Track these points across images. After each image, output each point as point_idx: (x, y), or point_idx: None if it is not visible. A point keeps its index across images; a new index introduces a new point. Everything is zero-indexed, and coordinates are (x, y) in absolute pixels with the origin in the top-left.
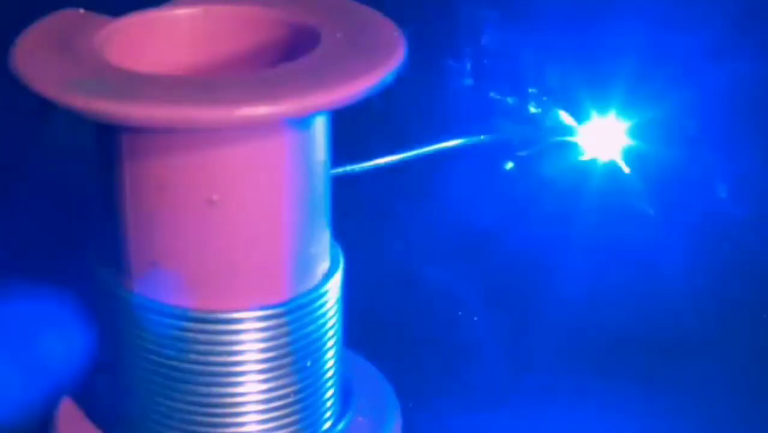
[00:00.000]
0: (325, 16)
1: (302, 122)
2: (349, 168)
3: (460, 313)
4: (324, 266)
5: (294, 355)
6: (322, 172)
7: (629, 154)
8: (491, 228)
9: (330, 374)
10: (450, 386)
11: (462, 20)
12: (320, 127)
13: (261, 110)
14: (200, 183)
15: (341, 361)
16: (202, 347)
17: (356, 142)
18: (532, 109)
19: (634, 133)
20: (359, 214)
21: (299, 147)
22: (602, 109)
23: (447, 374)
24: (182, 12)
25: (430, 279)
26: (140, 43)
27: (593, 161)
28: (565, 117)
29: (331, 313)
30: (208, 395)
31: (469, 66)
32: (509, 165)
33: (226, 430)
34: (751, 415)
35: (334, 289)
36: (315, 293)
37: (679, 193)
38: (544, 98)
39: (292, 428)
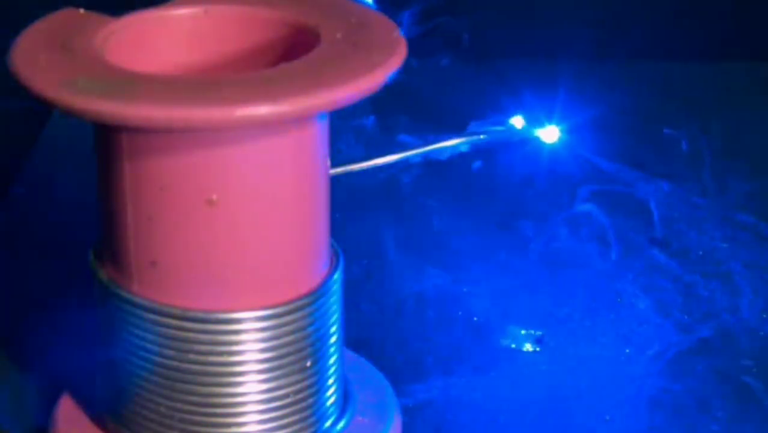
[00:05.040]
0: (325, 16)
1: (302, 122)
2: (349, 168)
3: (460, 313)
4: (324, 266)
5: (294, 355)
6: (322, 172)
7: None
8: (491, 226)
9: (330, 373)
10: (450, 386)
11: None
12: (320, 127)
13: (261, 110)
14: (200, 183)
15: (341, 361)
16: (202, 347)
17: (356, 141)
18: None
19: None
20: (360, 213)
21: (299, 147)
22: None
23: (447, 374)
24: (182, 12)
25: (430, 279)
26: (140, 43)
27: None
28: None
29: (331, 313)
30: (208, 395)
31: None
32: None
33: (226, 430)
34: None
35: (334, 289)
36: (315, 294)
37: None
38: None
39: (292, 428)
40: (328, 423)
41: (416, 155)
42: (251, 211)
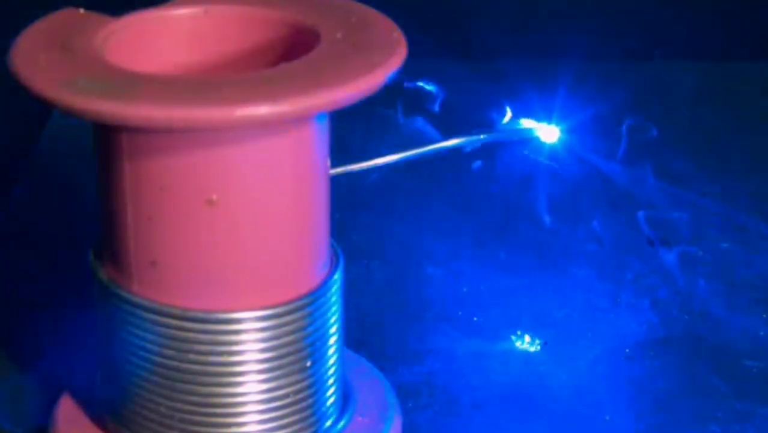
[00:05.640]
0: (325, 16)
1: (302, 122)
2: (349, 168)
3: (460, 313)
4: (324, 266)
5: (294, 355)
6: (322, 172)
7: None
8: (492, 225)
9: (330, 374)
10: (450, 387)
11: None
12: (320, 127)
13: (261, 110)
14: (200, 183)
15: (341, 361)
16: (202, 347)
17: (357, 142)
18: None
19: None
20: (360, 213)
21: (299, 147)
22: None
23: (447, 375)
24: (182, 12)
25: (430, 278)
26: (140, 43)
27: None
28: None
29: (330, 313)
30: (208, 395)
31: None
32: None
33: (226, 430)
34: None
35: (334, 289)
36: (315, 294)
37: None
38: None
39: (292, 428)
40: (328, 423)
41: (416, 155)
42: (251, 212)
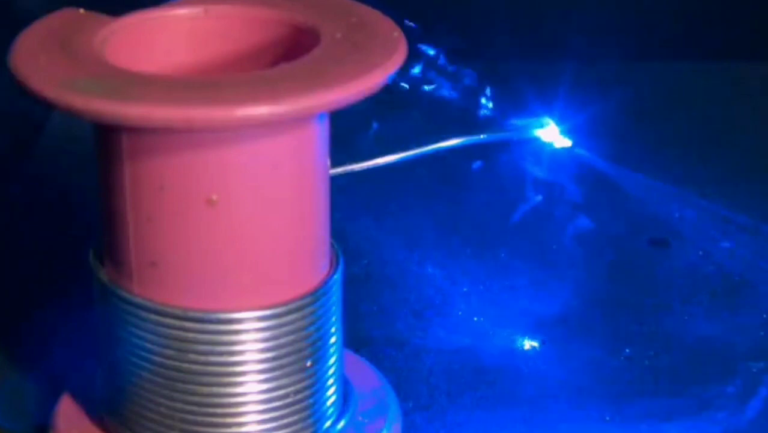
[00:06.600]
0: (325, 16)
1: (302, 122)
2: (349, 168)
3: (460, 313)
4: (324, 266)
5: (294, 355)
6: (321, 172)
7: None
8: (492, 225)
9: (330, 374)
10: (450, 387)
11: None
12: (320, 127)
13: (261, 110)
14: (200, 183)
15: (341, 361)
16: (202, 347)
17: (356, 142)
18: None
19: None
20: (360, 213)
21: (299, 147)
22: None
23: (447, 375)
24: (182, 12)
25: (430, 278)
26: (140, 43)
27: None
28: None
29: (331, 313)
30: (208, 395)
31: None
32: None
33: (226, 430)
34: None
35: (333, 289)
36: (315, 294)
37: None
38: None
39: (292, 428)
40: (328, 423)
41: (416, 155)
42: (251, 211)
